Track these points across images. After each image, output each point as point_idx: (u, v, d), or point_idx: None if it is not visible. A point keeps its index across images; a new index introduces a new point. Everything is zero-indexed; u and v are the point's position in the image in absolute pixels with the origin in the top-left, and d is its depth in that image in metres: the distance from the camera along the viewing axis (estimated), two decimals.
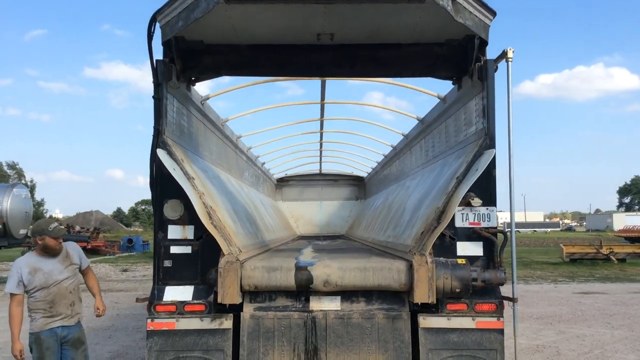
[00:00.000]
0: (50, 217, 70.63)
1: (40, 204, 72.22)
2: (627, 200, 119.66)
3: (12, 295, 5.05)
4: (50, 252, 5.13)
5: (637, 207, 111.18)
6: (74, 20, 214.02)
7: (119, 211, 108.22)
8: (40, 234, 5.13)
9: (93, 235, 37.82)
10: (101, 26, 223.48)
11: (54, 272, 5.10)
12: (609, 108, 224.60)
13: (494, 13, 5.24)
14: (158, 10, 5.21)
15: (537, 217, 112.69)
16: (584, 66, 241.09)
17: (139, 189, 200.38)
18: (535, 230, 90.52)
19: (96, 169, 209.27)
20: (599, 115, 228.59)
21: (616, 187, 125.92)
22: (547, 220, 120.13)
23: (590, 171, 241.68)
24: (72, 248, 5.42)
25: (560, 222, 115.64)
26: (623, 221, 68.23)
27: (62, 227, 5.21)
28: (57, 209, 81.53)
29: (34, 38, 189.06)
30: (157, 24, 5.33)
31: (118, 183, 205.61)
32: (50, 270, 5.09)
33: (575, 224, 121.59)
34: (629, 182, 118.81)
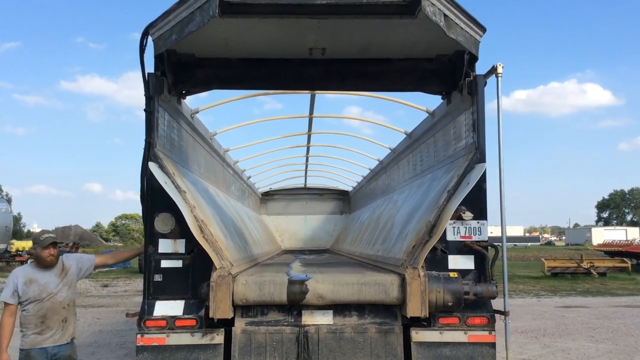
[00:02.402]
0: (29, 231, 69.45)
1: (17, 218, 70.97)
2: (605, 214, 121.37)
3: (5, 304, 4.95)
4: (42, 263, 5.02)
5: (615, 221, 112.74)
6: (47, 32, 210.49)
7: (98, 226, 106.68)
8: (34, 244, 5.08)
9: (72, 250, 37.24)
10: (75, 39, 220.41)
11: (49, 285, 4.99)
12: (584, 123, 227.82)
13: (484, 29, 5.32)
14: (151, 23, 5.17)
15: (517, 231, 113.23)
16: (557, 82, 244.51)
17: (118, 202, 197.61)
18: (515, 245, 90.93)
19: (74, 182, 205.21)
20: (574, 130, 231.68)
21: (594, 202, 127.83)
22: (527, 234, 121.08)
23: (569, 186, 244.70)
24: (70, 259, 5.28)
25: (540, 237, 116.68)
26: (602, 235, 69.13)
27: (52, 236, 5.09)
28: (35, 224, 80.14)
29: (8, 51, 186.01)
30: (150, 37, 5.31)
31: (97, 197, 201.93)
32: (45, 282, 4.99)
33: (555, 238, 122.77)
34: (607, 197, 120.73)
